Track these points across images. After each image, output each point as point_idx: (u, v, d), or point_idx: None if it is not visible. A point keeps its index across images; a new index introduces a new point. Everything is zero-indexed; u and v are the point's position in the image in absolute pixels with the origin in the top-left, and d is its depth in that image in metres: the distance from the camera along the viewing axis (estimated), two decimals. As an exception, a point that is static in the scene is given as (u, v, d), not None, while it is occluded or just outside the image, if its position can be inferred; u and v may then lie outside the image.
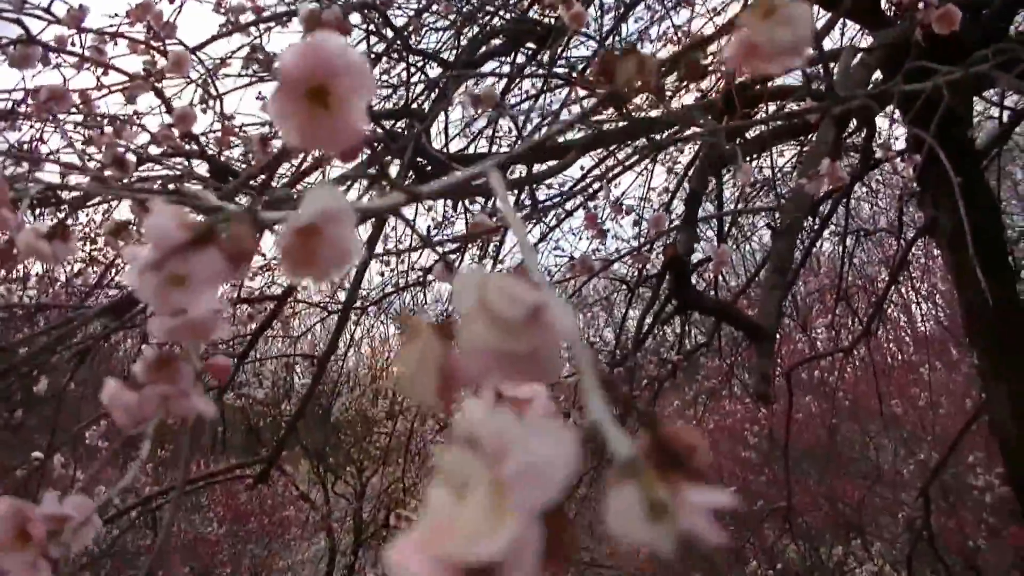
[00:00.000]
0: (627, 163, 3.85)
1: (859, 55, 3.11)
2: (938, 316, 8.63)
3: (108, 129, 2.05)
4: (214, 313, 0.61)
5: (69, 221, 1.02)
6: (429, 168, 2.81)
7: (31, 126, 2.60)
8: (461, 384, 0.38)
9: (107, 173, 1.54)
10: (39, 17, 2.29)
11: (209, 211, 0.57)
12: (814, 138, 3.53)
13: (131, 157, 1.60)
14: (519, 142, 4.16)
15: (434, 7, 3.92)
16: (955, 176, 1.57)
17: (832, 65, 2.64)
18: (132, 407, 0.65)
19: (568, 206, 4.45)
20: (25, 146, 2.65)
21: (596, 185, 3.93)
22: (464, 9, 3.86)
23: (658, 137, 2.96)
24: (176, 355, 0.67)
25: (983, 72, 1.23)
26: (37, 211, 2.87)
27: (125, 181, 1.50)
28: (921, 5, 1.71)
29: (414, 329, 0.38)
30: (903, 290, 7.74)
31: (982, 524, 6.57)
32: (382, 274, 5.59)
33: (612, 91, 0.51)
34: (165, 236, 0.46)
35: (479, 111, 2.07)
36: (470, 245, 4.16)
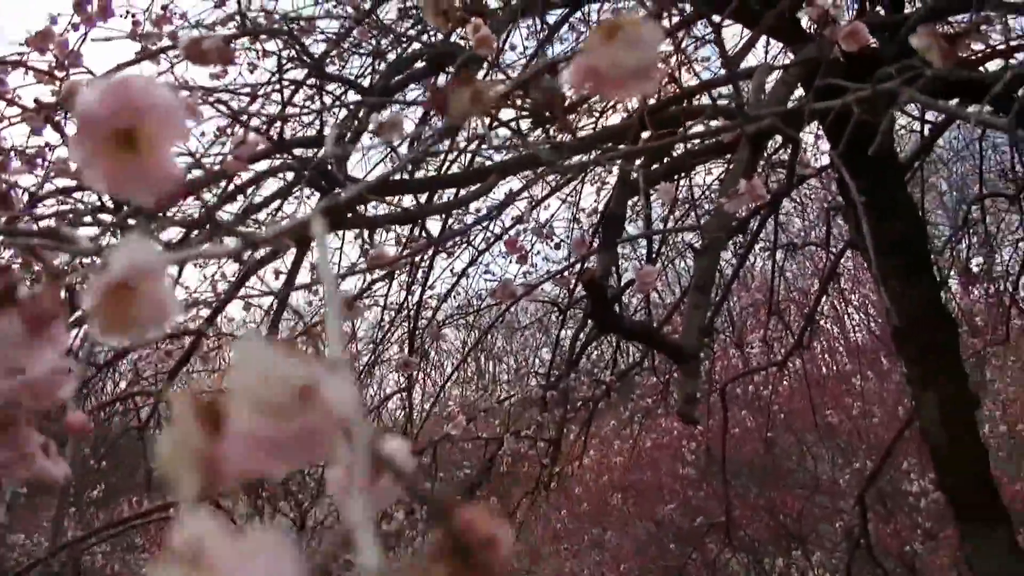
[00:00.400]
0: (553, 187, 3.82)
1: (778, 73, 3.11)
2: (869, 326, 8.71)
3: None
4: (57, 371, 0.56)
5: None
6: (343, 195, 2.75)
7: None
8: (229, 474, 0.34)
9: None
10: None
11: (86, 254, 0.53)
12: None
13: (16, 195, 1.55)
14: (444, 164, 4.14)
15: (354, 33, 3.87)
16: (859, 196, 1.56)
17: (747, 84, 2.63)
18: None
19: (497, 229, 4.42)
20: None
21: (523, 207, 3.90)
22: (383, 36, 3.82)
23: (579, 159, 2.94)
24: (17, 416, 0.62)
25: (891, 88, 1.21)
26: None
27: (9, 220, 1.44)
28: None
29: (177, 410, 0.33)
30: (834, 302, 7.79)
31: (918, 529, 6.65)
32: (310, 303, 5.52)
33: (449, 123, 0.47)
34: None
35: (387, 139, 2.03)
36: (397, 273, 4.12)
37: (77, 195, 2.46)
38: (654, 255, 4.84)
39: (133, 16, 3.46)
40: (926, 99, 1.41)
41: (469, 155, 4.18)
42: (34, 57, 2.54)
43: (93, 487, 6.94)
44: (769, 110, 1.43)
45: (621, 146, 3.39)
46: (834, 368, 8.72)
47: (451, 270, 5.26)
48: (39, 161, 2.38)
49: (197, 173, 2.85)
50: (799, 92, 3.26)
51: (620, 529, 8.84)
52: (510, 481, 7.32)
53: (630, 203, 3.22)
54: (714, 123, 3.28)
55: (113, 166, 0.43)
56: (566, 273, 3.20)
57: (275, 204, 3.49)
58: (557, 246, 3.92)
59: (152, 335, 0.44)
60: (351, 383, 0.31)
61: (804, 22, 3.64)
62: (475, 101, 0.45)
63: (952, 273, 5.42)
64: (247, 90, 3.84)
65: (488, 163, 3.61)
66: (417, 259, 4.03)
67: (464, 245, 4.73)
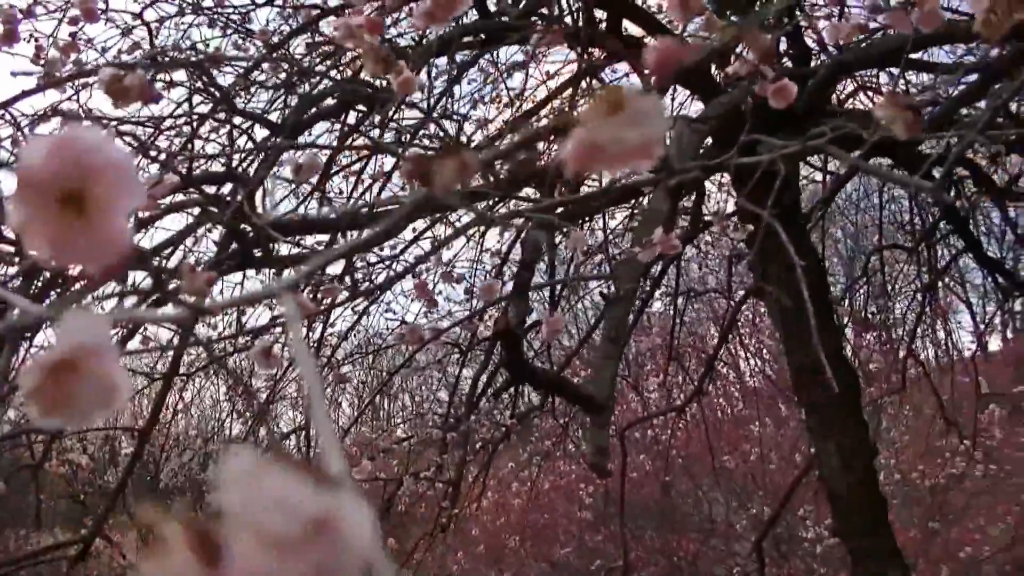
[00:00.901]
0: (458, 229, 3.80)
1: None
2: (766, 372, 8.82)
3: None
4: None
5: None
6: (251, 234, 2.71)
7: None
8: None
9: None
10: None
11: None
12: (646, 203, 3.55)
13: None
14: (348, 203, 4.09)
15: (263, 66, 3.82)
16: (797, 259, 1.56)
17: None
18: None
19: (398, 268, 4.39)
20: None
21: (427, 248, 3.88)
22: (293, 70, 3.78)
23: (488, 204, 2.93)
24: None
25: (819, 147, 1.21)
26: None
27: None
28: (746, 76, 1.71)
29: (167, 538, 0.29)
30: (732, 347, 7.87)
31: (812, 574, 6.71)
32: (210, 338, 5.42)
33: (428, 195, 0.44)
34: None
35: (303, 180, 2.00)
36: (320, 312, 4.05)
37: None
38: (557, 299, 4.84)
39: (38, 41, 3.37)
40: (862, 162, 1.41)
41: (375, 191, 4.16)
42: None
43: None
44: (696, 164, 1.43)
45: (527, 190, 3.40)
46: (731, 413, 8.81)
47: (352, 308, 5.21)
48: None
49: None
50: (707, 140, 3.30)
51: (517, 571, 8.82)
52: (408, 521, 7.27)
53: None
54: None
55: (58, 231, 0.39)
56: (474, 319, 3.18)
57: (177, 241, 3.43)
58: (463, 286, 3.90)
59: (98, 417, 0.40)
60: (369, 512, 0.27)
61: (713, 71, 3.69)
62: (462, 172, 0.42)
63: (848, 321, 5.52)
64: (152, 121, 3.78)
65: (394, 203, 3.58)
66: (318, 296, 3.98)
67: (366, 283, 4.69)
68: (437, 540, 5.31)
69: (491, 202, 3.11)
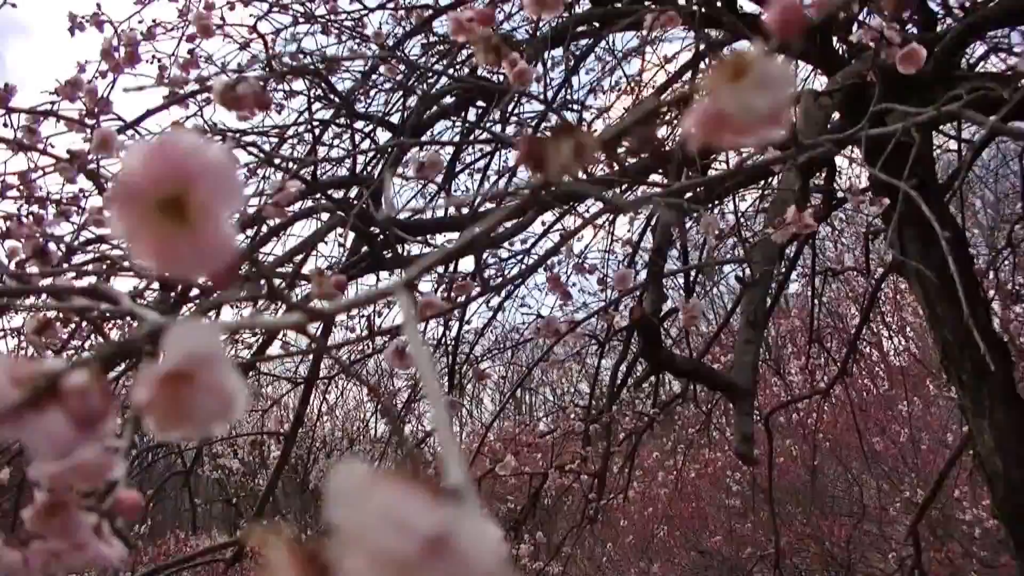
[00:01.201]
0: (587, 218, 3.76)
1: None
2: (910, 350, 8.60)
3: (26, 219, 1.96)
4: (106, 451, 0.51)
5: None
6: (380, 235, 2.73)
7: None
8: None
9: (29, 268, 1.46)
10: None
11: (122, 315, 0.48)
12: (776, 183, 3.48)
13: (53, 248, 1.52)
14: (475, 199, 4.09)
15: (380, 69, 3.84)
16: (943, 232, 1.50)
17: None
18: (17, 569, 0.56)
19: (530, 262, 4.38)
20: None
21: (557, 239, 3.85)
22: (410, 71, 3.79)
23: (617, 191, 2.90)
24: (69, 500, 0.57)
25: (955, 112, 1.15)
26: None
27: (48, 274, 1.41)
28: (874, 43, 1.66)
29: (268, 557, 0.27)
30: (874, 326, 7.69)
31: (973, 558, 6.52)
32: (348, 339, 5.48)
33: (545, 181, 0.41)
34: (-8, 396, 0.37)
35: (426, 177, 2.00)
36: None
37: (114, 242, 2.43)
38: (692, 284, 4.79)
39: (160, 61, 3.44)
40: (1003, 125, 1.35)
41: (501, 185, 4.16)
42: (64, 106, 2.52)
43: (141, 523, 6.97)
44: (826, 138, 1.38)
45: (655, 176, 3.35)
46: (876, 393, 8.60)
47: (487, 304, 5.23)
48: (74, 210, 2.36)
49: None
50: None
51: (666, 561, 8.76)
52: (555, 515, 7.27)
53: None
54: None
55: (161, 239, 0.38)
56: (609, 309, 3.15)
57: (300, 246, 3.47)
58: (600, 281, 3.86)
59: (216, 430, 0.39)
60: (492, 528, 0.25)
61: (834, 43, 3.60)
62: (578, 154, 0.40)
63: (995, 294, 5.33)
64: (275, 131, 3.84)
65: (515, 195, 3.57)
66: (453, 294, 4.00)
67: (499, 279, 4.69)
68: (585, 532, 5.30)
69: (619, 190, 3.07)
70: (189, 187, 0.37)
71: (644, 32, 3.50)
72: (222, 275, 0.40)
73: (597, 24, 4.02)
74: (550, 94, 4.06)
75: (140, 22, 3.48)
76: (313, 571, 0.26)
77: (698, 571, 8.44)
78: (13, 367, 0.38)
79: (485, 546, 0.25)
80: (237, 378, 0.38)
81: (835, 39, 3.57)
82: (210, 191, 0.37)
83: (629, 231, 5.16)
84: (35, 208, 2.23)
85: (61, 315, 1.32)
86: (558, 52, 4.27)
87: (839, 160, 3.96)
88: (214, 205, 0.38)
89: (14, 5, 2.38)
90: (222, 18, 3.35)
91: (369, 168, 3.72)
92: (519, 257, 4.05)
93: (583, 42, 4.35)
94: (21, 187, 2.26)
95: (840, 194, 4.05)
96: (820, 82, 4.19)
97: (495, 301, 4.86)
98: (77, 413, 0.38)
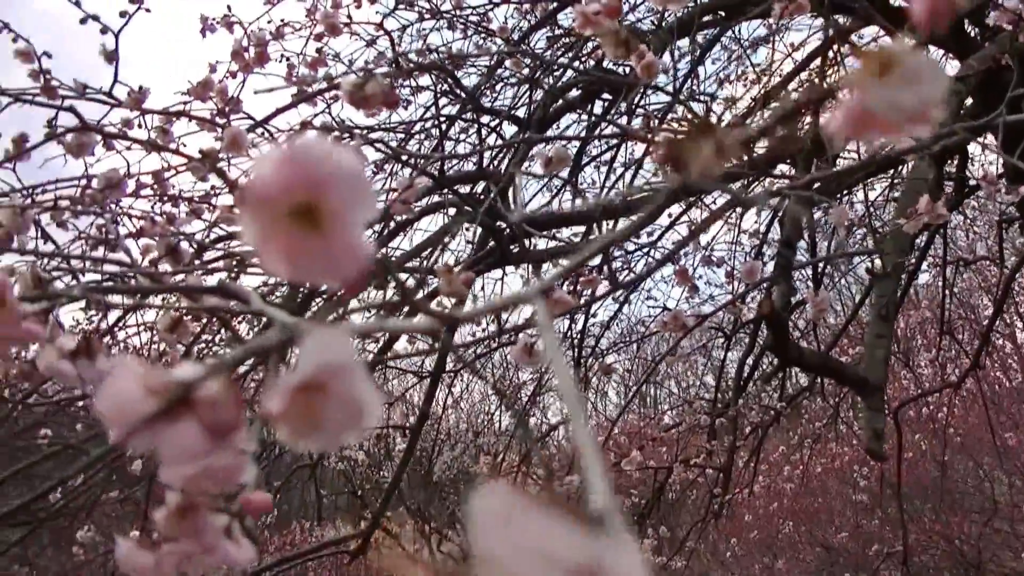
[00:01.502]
0: (714, 212, 3.72)
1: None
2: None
3: (159, 218, 2.00)
4: (238, 455, 0.51)
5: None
6: (506, 230, 2.72)
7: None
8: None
9: (161, 266, 1.48)
10: (101, 101, 2.24)
11: (254, 315, 0.48)
12: (907, 171, 3.40)
13: (185, 246, 1.54)
14: (602, 194, 4.08)
15: (506, 63, 3.85)
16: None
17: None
18: (149, 570, 0.56)
19: (656, 255, 4.35)
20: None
21: (684, 233, 3.82)
22: (536, 65, 3.79)
23: (744, 183, 2.86)
24: (200, 502, 0.57)
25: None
26: (88, 314, 2.83)
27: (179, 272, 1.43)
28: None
29: None
30: (1007, 318, 7.48)
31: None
32: (473, 334, 5.50)
33: (683, 183, 0.40)
34: (126, 406, 0.36)
35: (553, 171, 1.98)
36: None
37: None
38: (820, 276, 4.71)
39: (288, 60, 3.49)
40: None
41: (627, 179, 4.13)
42: (196, 106, 2.57)
43: (268, 513, 7.13)
44: (961, 125, 1.33)
45: (782, 167, 3.30)
46: (1010, 386, 8.36)
47: (613, 298, 5.21)
48: (205, 208, 2.40)
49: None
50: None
51: (791, 557, 8.64)
52: (680, 509, 7.22)
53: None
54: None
55: (292, 246, 0.37)
56: (737, 302, 3.12)
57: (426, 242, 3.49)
58: (727, 274, 3.83)
59: (349, 439, 0.39)
60: (640, 555, 0.24)
61: (966, 25, 3.51)
62: (719, 154, 0.38)
63: None
64: (402, 127, 3.87)
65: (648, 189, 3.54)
66: (579, 288, 3.99)
67: (626, 272, 4.68)
68: (709, 527, 5.25)
69: (746, 182, 3.03)
70: (321, 194, 0.37)
71: (772, 20, 3.45)
72: (354, 281, 0.39)
73: (723, 13, 3.97)
74: (677, 85, 4.02)
75: (269, 22, 3.53)
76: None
77: (823, 568, 8.32)
78: (147, 376, 0.37)
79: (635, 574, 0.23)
80: (370, 388, 0.38)
81: (967, 21, 3.47)
82: (342, 198, 0.37)
83: (756, 222, 5.09)
84: (167, 207, 2.27)
85: (192, 312, 1.34)
86: (684, 43, 4.23)
87: (972, 147, 3.85)
88: (346, 212, 0.37)
89: (148, 10, 2.42)
90: (348, 16, 3.39)
91: (495, 163, 3.72)
92: (645, 251, 4.03)
93: (709, 32, 4.30)
94: (154, 186, 2.31)
95: (973, 182, 3.95)
96: (952, 66, 4.09)
97: (621, 295, 4.85)
98: (210, 423, 0.38)
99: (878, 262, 2.79)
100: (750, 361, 4.30)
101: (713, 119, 4.21)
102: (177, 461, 0.38)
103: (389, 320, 0.46)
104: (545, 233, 3.40)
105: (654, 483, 4.68)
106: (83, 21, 2.37)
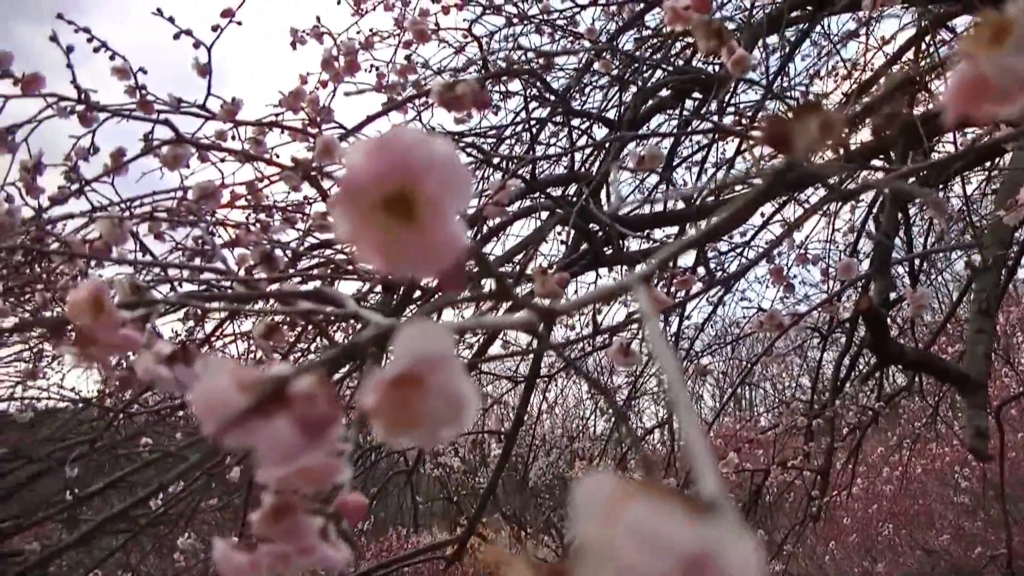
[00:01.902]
0: (809, 208, 3.67)
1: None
2: None
3: (254, 227, 2.02)
4: (332, 456, 0.51)
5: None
6: (599, 232, 2.71)
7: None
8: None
9: (256, 273, 1.49)
10: (195, 114, 2.28)
11: (346, 318, 0.47)
12: (1005, 162, 3.32)
13: (279, 254, 1.55)
14: (696, 193, 4.04)
15: (595, 65, 3.84)
16: None
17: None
18: (245, 572, 0.56)
19: (751, 255, 4.31)
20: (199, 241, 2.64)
21: (779, 231, 3.78)
22: (625, 66, 3.77)
23: (838, 179, 2.81)
24: (296, 503, 0.57)
25: None
26: (187, 324, 2.87)
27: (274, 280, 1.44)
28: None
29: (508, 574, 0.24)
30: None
31: None
32: (567, 338, 5.49)
33: (790, 160, 0.38)
34: (219, 403, 0.36)
35: (645, 171, 1.97)
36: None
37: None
38: (918, 272, 4.63)
39: (378, 69, 3.52)
40: None
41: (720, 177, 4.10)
42: (288, 116, 2.60)
43: (364, 520, 7.20)
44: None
45: (876, 161, 3.24)
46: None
47: (707, 299, 5.18)
48: (298, 216, 2.42)
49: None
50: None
51: (891, 560, 8.52)
52: (777, 512, 7.14)
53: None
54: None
55: (386, 238, 0.36)
56: (834, 300, 3.07)
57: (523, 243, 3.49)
58: (823, 272, 3.77)
59: (447, 435, 0.37)
60: (754, 543, 0.22)
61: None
62: (825, 132, 0.37)
63: None
64: (493, 132, 3.88)
65: (740, 188, 3.51)
66: (672, 289, 3.97)
67: (720, 273, 4.65)
68: (807, 530, 5.19)
69: (842, 177, 2.99)
70: (415, 183, 0.36)
71: (863, 13, 3.40)
72: (450, 274, 0.38)
73: (812, 7, 3.92)
74: (767, 81, 3.98)
75: (358, 32, 3.57)
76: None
77: (924, 571, 8.19)
78: (240, 373, 0.37)
79: (748, 563, 0.22)
80: (468, 381, 0.36)
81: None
82: (437, 186, 0.36)
83: (851, 219, 5.02)
84: (261, 216, 2.30)
85: (288, 319, 1.34)
86: (773, 39, 4.18)
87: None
88: (442, 200, 0.36)
89: (239, 23, 2.46)
90: (436, 23, 3.40)
91: (587, 165, 3.72)
92: (739, 250, 4.00)
93: (798, 27, 4.25)
94: (249, 196, 2.33)
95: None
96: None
97: (715, 295, 4.81)
98: (304, 419, 0.37)
99: (977, 256, 2.73)
100: (847, 361, 4.24)
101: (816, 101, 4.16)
102: (272, 458, 0.37)
103: (488, 316, 0.45)
104: (638, 234, 3.38)
105: (751, 486, 4.63)
106: (176, 36, 2.41)
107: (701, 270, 3.36)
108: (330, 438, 0.40)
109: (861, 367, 4.48)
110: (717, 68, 3.38)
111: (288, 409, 0.37)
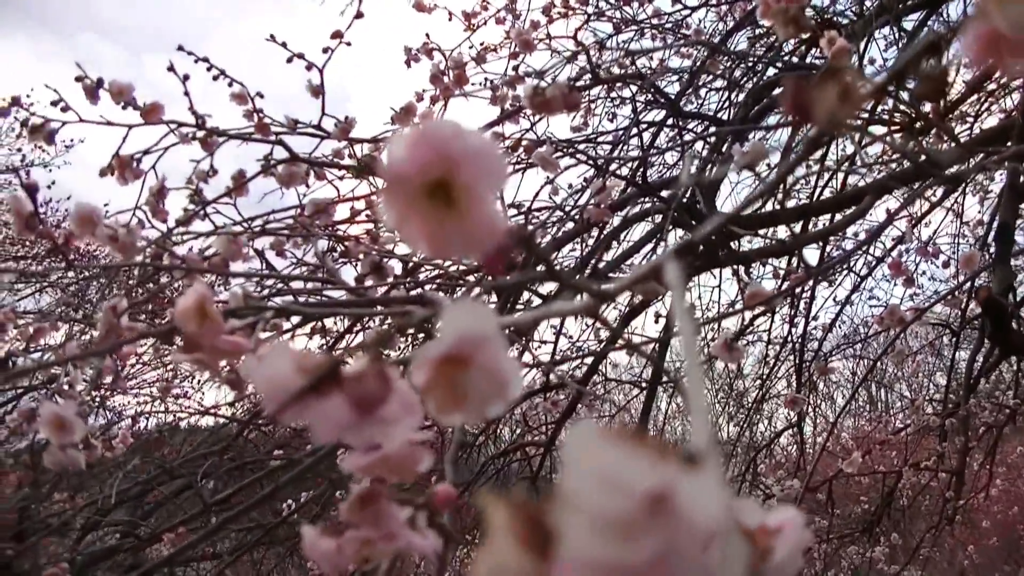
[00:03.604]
0: (933, 202, 3.60)
1: None
2: None
3: (363, 237, 2.06)
4: (415, 445, 0.53)
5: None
6: (712, 234, 2.70)
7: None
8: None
9: (367, 282, 1.53)
10: (310, 134, 2.34)
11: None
12: None
13: (390, 264, 1.58)
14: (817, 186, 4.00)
15: (707, 66, 3.82)
16: None
17: None
18: (331, 555, 0.59)
19: (878, 252, 4.24)
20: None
21: (903, 226, 3.72)
22: (736, 65, 3.75)
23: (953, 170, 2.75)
24: (382, 492, 0.59)
25: None
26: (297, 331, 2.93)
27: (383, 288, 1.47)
28: None
29: (496, 525, 0.25)
30: None
31: None
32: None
33: (817, 130, 0.39)
34: (279, 383, 0.38)
35: (752, 168, 1.96)
36: (779, 306, 4.01)
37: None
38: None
39: (491, 82, 3.56)
40: None
41: (840, 177, 4.04)
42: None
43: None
44: None
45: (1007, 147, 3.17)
46: None
47: (834, 299, 5.12)
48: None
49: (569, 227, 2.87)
50: None
51: (1036, 566, 8.28)
52: (911, 515, 7.00)
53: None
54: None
55: (430, 224, 0.39)
56: (956, 293, 3.01)
57: (646, 248, 3.48)
58: (945, 264, 3.70)
59: (494, 412, 0.39)
60: (717, 483, 0.23)
61: None
62: (845, 99, 0.37)
63: None
64: (608, 138, 3.89)
65: (860, 183, 3.46)
66: (798, 291, 3.93)
67: (845, 272, 4.58)
68: (943, 534, 5.08)
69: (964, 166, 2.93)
70: (454, 170, 0.38)
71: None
72: (494, 257, 0.40)
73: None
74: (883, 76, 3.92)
75: (471, 47, 3.61)
76: (536, 534, 0.25)
77: (1070, 575, 7.96)
78: (299, 356, 0.39)
79: (707, 502, 0.23)
80: (512, 359, 0.38)
81: None
82: (474, 173, 0.38)
83: (980, 212, 4.91)
84: (371, 226, 2.34)
85: (400, 327, 1.38)
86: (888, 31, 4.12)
87: None
88: (479, 187, 0.38)
89: (348, 43, 2.51)
90: (547, 33, 3.43)
91: (700, 168, 3.71)
92: (864, 248, 3.94)
93: (914, 16, 4.16)
94: (367, 211, 2.38)
95: None
96: None
97: (841, 295, 4.74)
98: (356, 397, 0.39)
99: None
100: (980, 357, 4.14)
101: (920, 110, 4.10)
102: (327, 434, 0.40)
103: (550, 306, 0.46)
104: (752, 233, 3.36)
105: (883, 488, 4.55)
106: (289, 60, 2.47)
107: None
108: (381, 415, 0.42)
109: (998, 365, 4.38)
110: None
111: (341, 388, 0.39)
